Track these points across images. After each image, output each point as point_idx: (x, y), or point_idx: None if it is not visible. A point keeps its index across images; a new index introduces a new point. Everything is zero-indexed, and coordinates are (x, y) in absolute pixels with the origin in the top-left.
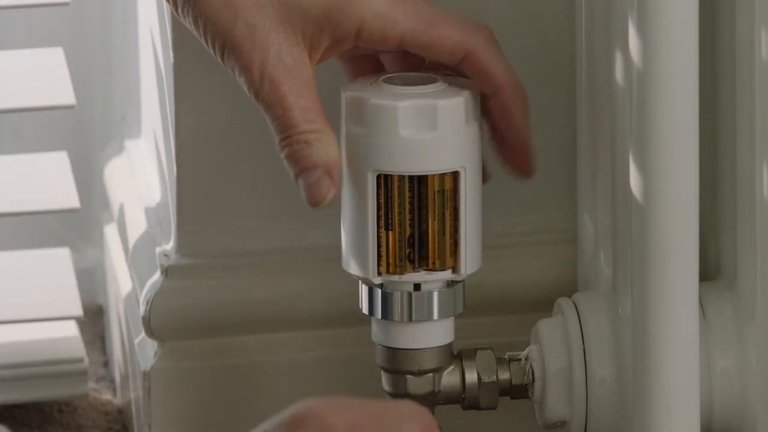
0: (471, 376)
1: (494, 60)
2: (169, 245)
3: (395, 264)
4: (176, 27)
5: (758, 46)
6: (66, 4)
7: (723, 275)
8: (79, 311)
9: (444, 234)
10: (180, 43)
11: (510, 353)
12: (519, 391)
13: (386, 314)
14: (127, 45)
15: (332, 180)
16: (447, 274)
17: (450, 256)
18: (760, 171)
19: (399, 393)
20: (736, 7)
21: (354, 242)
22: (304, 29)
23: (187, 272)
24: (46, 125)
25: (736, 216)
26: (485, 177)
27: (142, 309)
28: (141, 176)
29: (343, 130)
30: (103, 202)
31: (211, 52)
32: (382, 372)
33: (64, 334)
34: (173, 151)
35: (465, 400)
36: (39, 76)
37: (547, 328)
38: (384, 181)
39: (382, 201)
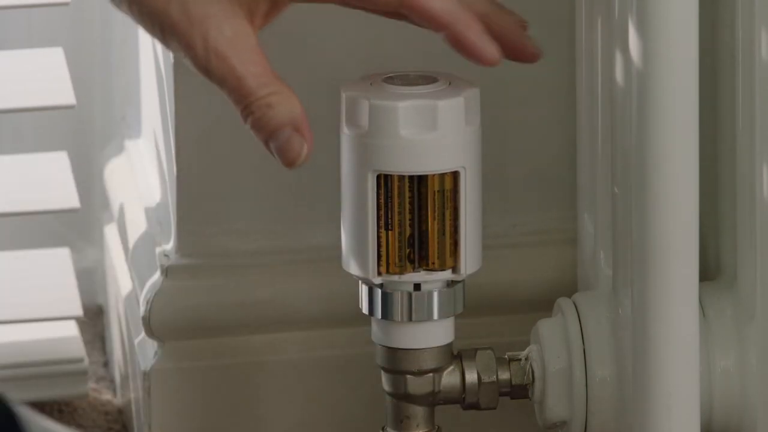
0: (471, 376)
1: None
2: (169, 245)
3: (395, 264)
4: None
5: (758, 46)
6: (66, 4)
7: (723, 275)
8: (79, 311)
9: (444, 234)
10: None
11: (510, 353)
12: (519, 391)
13: (386, 314)
14: (127, 45)
15: (303, 135)
16: (447, 274)
17: (450, 256)
18: (760, 171)
19: (399, 393)
20: (736, 7)
21: (354, 242)
22: None
23: (187, 272)
24: (46, 125)
25: (736, 216)
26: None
27: (142, 309)
28: (141, 176)
29: (344, 130)
30: (103, 202)
31: (155, 38)
32: (382, 372)
33: (64, 334)
34: (173, 151)
35: (465, 400)
36: (39, 76)
37: (547, 328)
38: (384, 181)
39: (382, 201)
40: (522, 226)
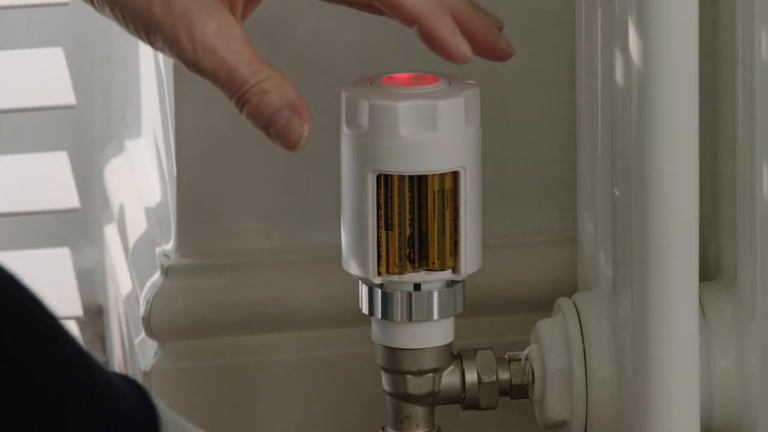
0: (471, 376)
1: None
2: (169, 245)
3: (395, 264)
4: None
5: (758, 46)
6: (66, 4)
7: (723, 275)
8: (79, 311)
9: (444, 234)
10: None
11: (510, 353)
12: (519, 391)
13: (386, 314)
14: (127, 45)
15: (302, 116)
16: (447, 274)
17: (450, 256)
18: (760, 171)
19: (399, 393)
20: (736, 7)
21: (354, 242)
22: None
23: (187, 272)
24: (46, 125)
25: (736, 216)
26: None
27: (142, 309)
28: (141, 176)
29: (344, 130)
30: (103, 202)
31: (139, 39)
32: (382, 372)
33: None
34: (173, 151)
35: (465, 400)
36: (39, 76)
37: (547, 328)
38: (384, 181)
39: (382, 201)
40: (522, 226)
